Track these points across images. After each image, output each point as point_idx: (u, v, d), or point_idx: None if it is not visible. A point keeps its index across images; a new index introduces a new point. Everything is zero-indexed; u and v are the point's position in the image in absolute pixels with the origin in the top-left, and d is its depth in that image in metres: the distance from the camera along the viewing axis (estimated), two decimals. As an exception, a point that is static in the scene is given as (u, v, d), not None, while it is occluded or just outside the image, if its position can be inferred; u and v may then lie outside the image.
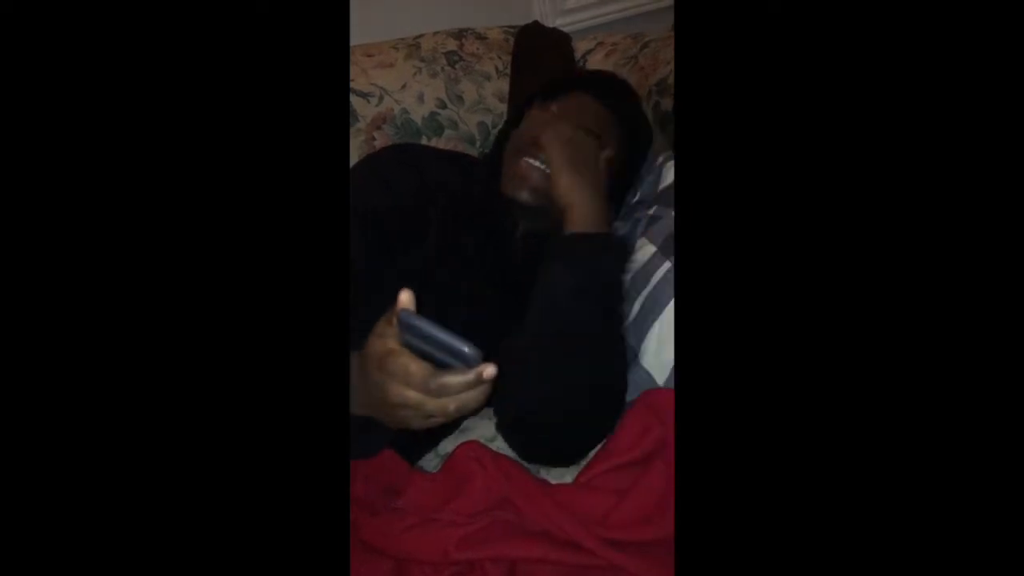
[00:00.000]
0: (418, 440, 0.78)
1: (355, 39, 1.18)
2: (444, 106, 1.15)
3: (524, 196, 0.80)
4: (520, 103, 0.89)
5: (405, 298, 0.51)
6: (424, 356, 0.51)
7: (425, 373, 0.50)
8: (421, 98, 1.14)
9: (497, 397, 0.75)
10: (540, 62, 1.22)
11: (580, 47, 1.26)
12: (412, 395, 0.51)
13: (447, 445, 0.80)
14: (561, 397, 0.70)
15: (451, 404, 0.50)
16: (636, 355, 0.79)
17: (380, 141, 1.12)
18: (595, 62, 1.21)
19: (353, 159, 1.10)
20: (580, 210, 0.74)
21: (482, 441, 0.73)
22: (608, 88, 0.90)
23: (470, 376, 0.49)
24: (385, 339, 0.52)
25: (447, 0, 1.38)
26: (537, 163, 0.79)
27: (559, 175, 0.75)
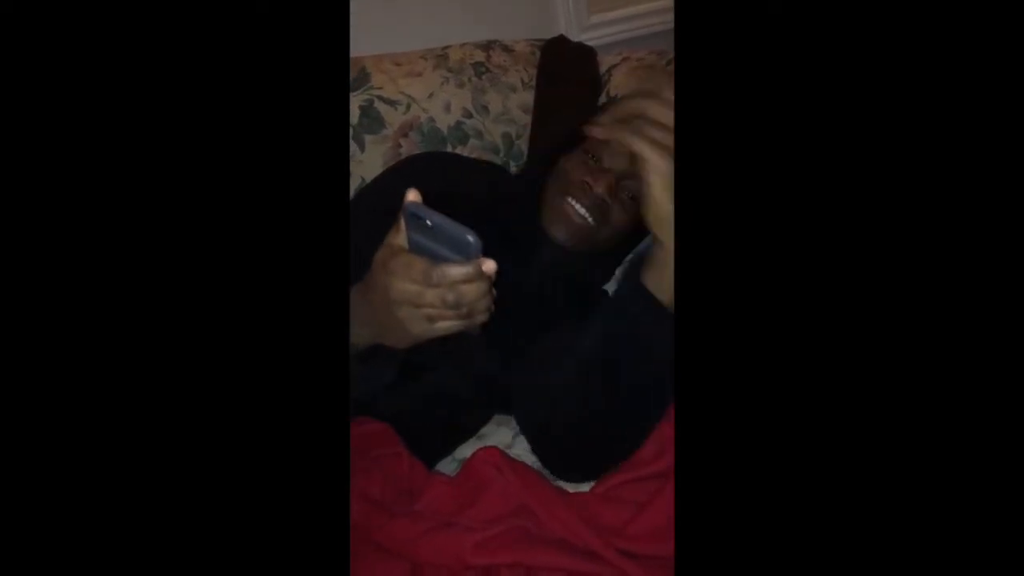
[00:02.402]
0: (436, 444, 0.79)
1: (385, 48, 1.21)
2: (470, 116, 1.16)
3: (561, 237, 0.81)
4: (572, 127, 0.87)
5: (413, 194, 0.52)
6: (429, 255, 0.52)
7: (425, 265, 0.51)
8: (448, 107, 1.16)
9: (524, 401, 0.75)
10: (565, 75, 1.23)
11: (605, 62, 1.27)
12: (412, 287, 0.51)
13: (464, 450, 0.80)
14: (592, 422, 0.69)
15: (449, 295, 0.51)
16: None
17: (406, 148, 1.13)
18: (620, 77, 1.22)
19: (378, 165, 1.12)
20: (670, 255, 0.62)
21: (500, 447, 0.73)
22: None
23: (469, 268, 0.50)
24: (391, 245, 0.53)
25: (475, 13, 1.40)
26: (582, 210, 0.80)
27: (655, 197, 0.60)
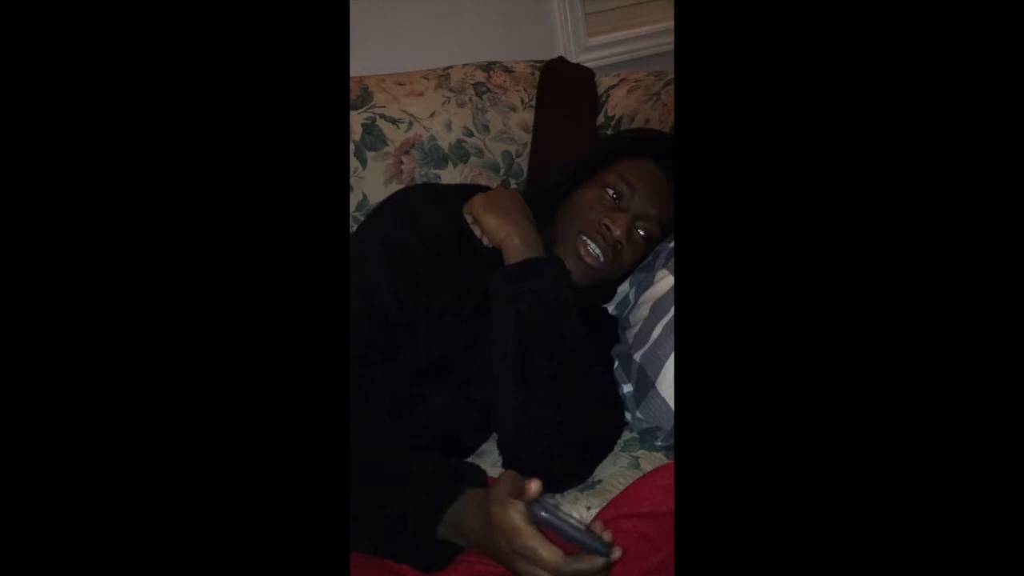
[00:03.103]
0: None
1: (388, 69, 1.23)
2: (471, 134, 1.18)
3: (576, 273, 0.82)
4: (584, 161, 0.88)
5: (535, 489, 0.55)
6: (556, 532, 0.55)
7: (557, 560, 0.54)
8: (449, 126, 1.17)
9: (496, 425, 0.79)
10: (564, 96, 1.25)
11: (603, 83, 1.29)
12: (542, 573, 0.55)
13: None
14: (525, 420, 0.73)
15: None
16: (653, 383, 0.80)
17: (407, 165, 1.15)
18: (618, 97, 1.24)
19: (380, 180, 1.14)
20: (509, 244, 0.78)
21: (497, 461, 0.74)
22: (664, 149, 0.89)
23: (599, 563, 0.54)
24: (511, 513, 0.56)
25: (476, 34, 1.42)
26: (596, 251, 0.81)
27: (482, 220, 0.80)
